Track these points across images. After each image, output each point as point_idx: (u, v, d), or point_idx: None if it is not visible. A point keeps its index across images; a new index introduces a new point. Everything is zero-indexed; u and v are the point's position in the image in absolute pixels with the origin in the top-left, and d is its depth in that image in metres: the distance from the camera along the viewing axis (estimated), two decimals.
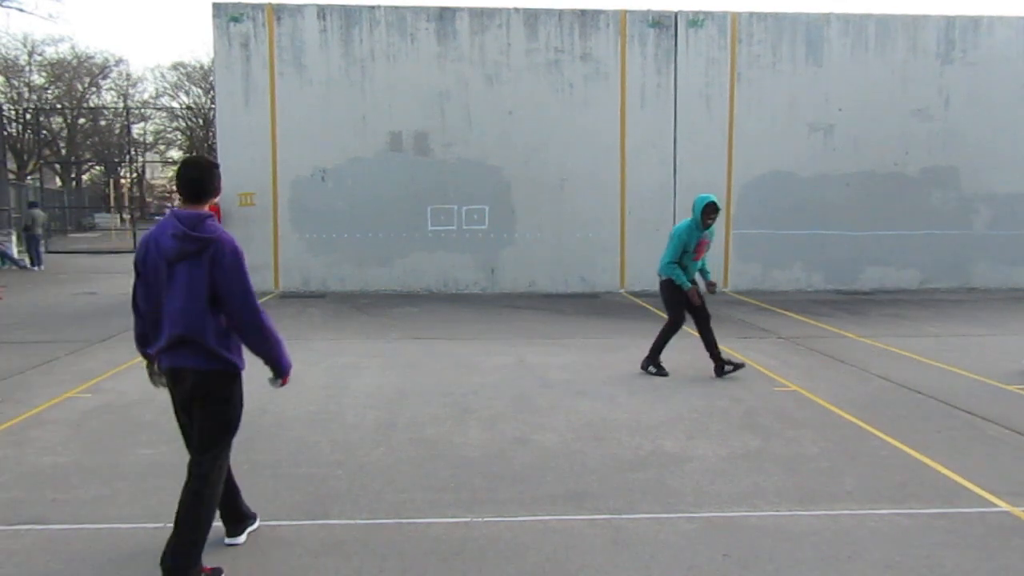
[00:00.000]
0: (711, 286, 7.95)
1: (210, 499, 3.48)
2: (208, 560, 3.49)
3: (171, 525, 3.38)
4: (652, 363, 7.87)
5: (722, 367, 7.67)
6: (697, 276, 7.88)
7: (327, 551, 3.80)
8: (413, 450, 5.35)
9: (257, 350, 3.53)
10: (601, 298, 14.22)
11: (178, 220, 3.41)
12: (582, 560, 3.73)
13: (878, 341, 9.75)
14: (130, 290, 3.67)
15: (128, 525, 4.07)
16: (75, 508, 4.27)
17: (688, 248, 7.60)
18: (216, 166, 3.65)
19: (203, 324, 3.39)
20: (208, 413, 3.49)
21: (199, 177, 3.51)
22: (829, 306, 13.09)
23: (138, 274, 3.51)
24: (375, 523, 4.14)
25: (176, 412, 3.61)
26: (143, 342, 3.64)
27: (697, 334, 7.89)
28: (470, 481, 4.76)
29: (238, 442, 5.02)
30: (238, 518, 3.92)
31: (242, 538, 3.90)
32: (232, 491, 3.89)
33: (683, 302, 7.73)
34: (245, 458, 5.14)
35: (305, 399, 6.68)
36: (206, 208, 3.53)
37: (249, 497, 4.47)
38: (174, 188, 3.55)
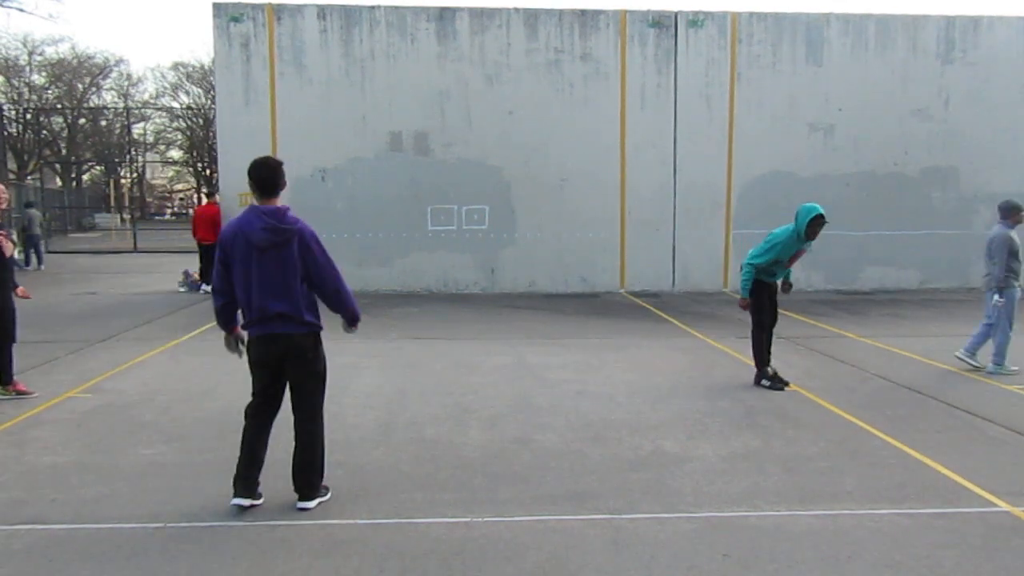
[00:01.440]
0: (786, 286, 7.60)
1: (320, 434, 4.50)
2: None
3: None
4: (763, 376, 7.29)
5: (761, 378, 7.29)
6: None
7: (327, 551, 3.80)
8: (413, 450, 5.35)
9: (340, 310, 4.53)
10: (601, 298, 14.22)
11: (265, 215, 4.15)
12: (582, 560, 3.73)
13: (878, 341, 9.75)
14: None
15: (128, 525, 4.07)
16: (75, 508, 4.27)
17: (782, 258, 7.17)
18: (281, 164, 4.32)
19: (296, 298, 4.24)
20: (305, 369, 4.39)
21: (270, 175, 4.21)
22: (829, 306, 13.09)
23: (225, 261, 4.23)
24: (375, 523, 4.14)
25: (260, 373, 4.39)
26: (226, 315, 4.41)
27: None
28: (470, 481, 4.76)
29: (238, 441, 5.02)
30: (249, 485, 4.29)
31: (247, 501, 4.24)
32: (256, 461, 4.35)
33: (763, 298, 7.34)
34: None
35: None
36: (277, 201, 4.23)
37: None
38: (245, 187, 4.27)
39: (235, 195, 14.62)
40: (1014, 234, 7.78)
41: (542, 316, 11.93)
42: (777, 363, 7.44)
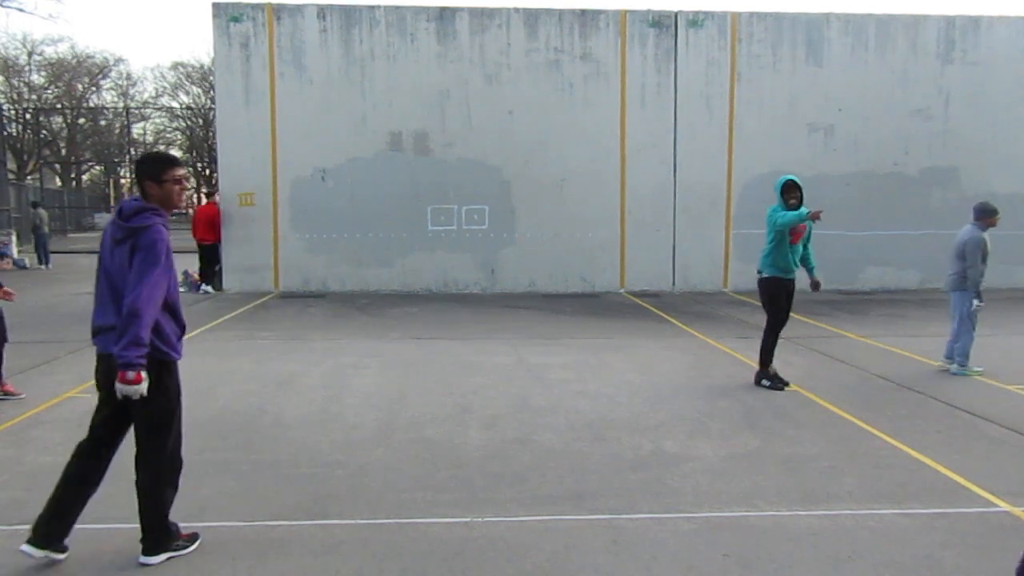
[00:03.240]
0: (815, 284, 7.45)
1: (158, 489, 3.77)
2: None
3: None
4: (764, 376, 7.23)
5: (761, 378, 7.24)
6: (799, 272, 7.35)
7: (327, 551, 3.80)
8: (413, 450, 5.34)
9: (121, 331, 3.46)
10: (601, 298, 14.22)
11: (122, 206, 3.64)
12: (582, 560, 3.73)
13: (878, 341, 9.75)
14: None
15: (128, 525, 4.06)
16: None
17: (783, 230, 7.01)
18: (147, 159, 3.72)
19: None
20: (137, 405, 3.56)
21: (136, 169, 3.71)
22: (829, 306, 13.09)
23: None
24: (375, 523, 4.14)
25: (100, 401, 3.73)
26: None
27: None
28: (470, 481, 4.76)
29: (238, 441, 5.01)
30: (55, 531, 3.62)
31: (38, 554, 3.56)
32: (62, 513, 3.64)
33: (781, 297, 7.22)
34: (245, 458, 5.14)
35: (305, 399, 6.68)
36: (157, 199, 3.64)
37: (249, 497, 4.47)
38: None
39: (235, 195, 14.63)
40: (987, 236, 7.78)
41: (542, 316, 11.93)
42: (777, 363, 7.44)
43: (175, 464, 3.77)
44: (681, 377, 7.68)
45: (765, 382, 7.22)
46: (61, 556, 3.63)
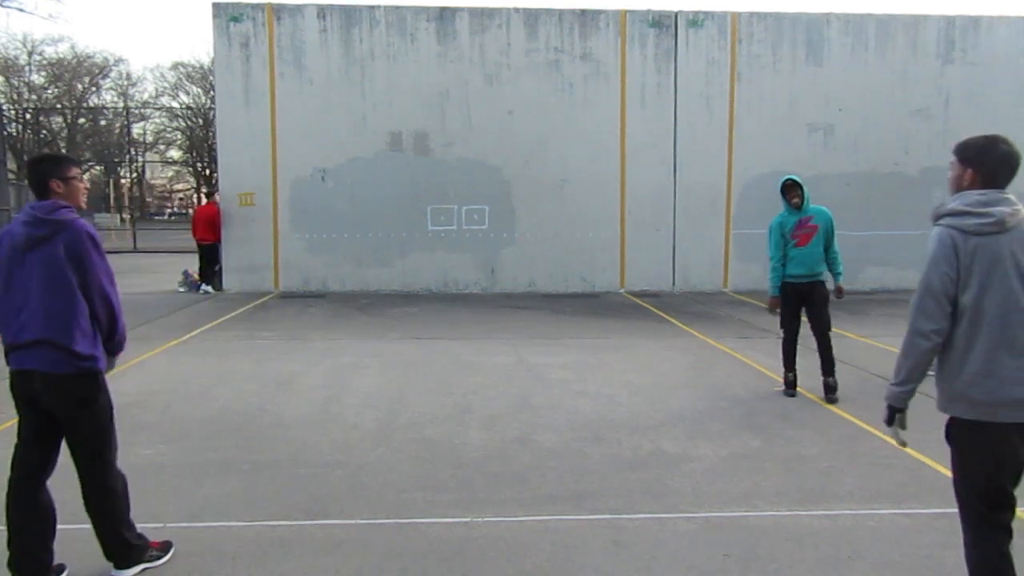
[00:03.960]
0: (839, 291, 7.27)
1: (115, 503, 3.58)
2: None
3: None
4: (786, 383, 6.99)
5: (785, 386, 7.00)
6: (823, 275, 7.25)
7: (327, 551, 3.80)
8: (413, 450, 5.35)
9: (109, 329, 3.53)
10: (601, 298, 14.22)
11: (32, 208, 3.41)
12: (582, 560, 3.73)
13: (878, 341, 9.75)
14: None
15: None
16: (75, 508, 4.26)
17: (784, 232, 6.90)
18: (43, 160, 3.55)
19: (61, 319, 3.38)
20: (76, 422, 3.47)
21: (32, 174, 3.50)
22: (829, 306, 13.06)
23: None
24: (375, 523, 4.14)
25: (24, 418, 3.50)
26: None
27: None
28: (470, 481, 4.76)
29: (238, 441, 5.01)
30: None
31: None
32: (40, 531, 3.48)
33: (785, 304, 7.03)
34: (245, 458, 5.14)
35: (305, 399, 6.68)
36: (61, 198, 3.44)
37: (249, 497, 4.47)
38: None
39: (235, 195, 14.63)
40: None
41: (542, 316, 11.93)
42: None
43: (120, 478, 3.59)
44: (681, 377, 7.68)
45: (776, 388, 7.09)
46: None
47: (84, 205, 3.55)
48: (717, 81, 15.04)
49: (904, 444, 3.15)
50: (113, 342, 3.51)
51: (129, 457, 5.14)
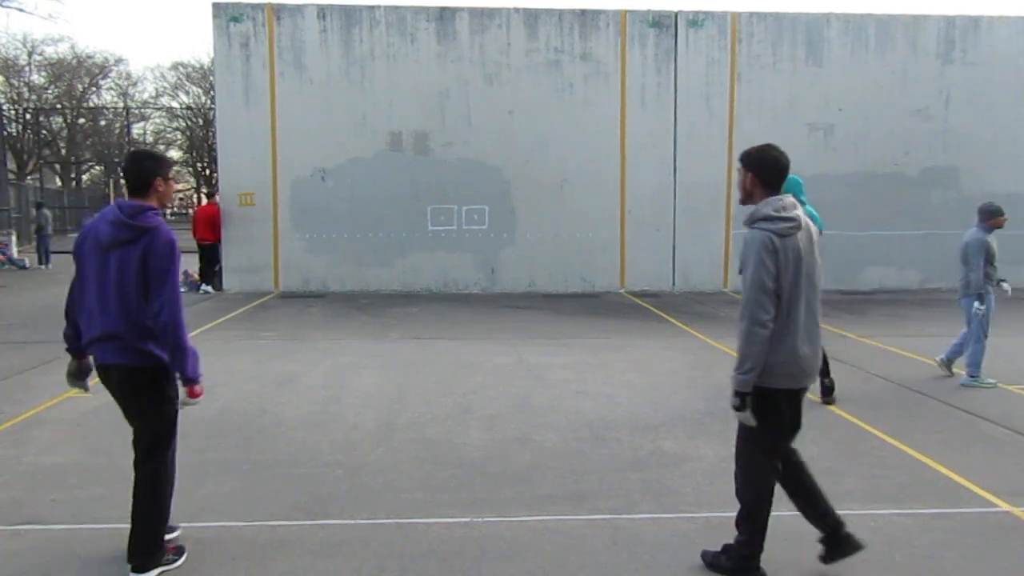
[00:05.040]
0: None
1: (163, 487, 3.71)
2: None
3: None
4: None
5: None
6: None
7: (327, 551, 3.80)
8: (413, 450, 5.34)
9: (170, 347, 3.52)
10: (601, 298, 14.22)
11: (119, 208, 3.53)
12: (582, 560, 3.73)
13: (878, 341, 9.75)
14: None
15: (128, 525, 4.06)
16: (75, 508, 4.26)
17: None
18: (148, 157, 3.67)
19: (132, 317, 3.50)
20: (143, 409, 3.63)
21: (132, 169, 3.60)
22: (829, 306, 13.08)
23: (76, 265, 3.66)
24: (375, 523, 4.13)
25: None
26: (72, 336, 3.74)
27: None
28: (470, 481, 4.76)
29: (238, 441, 5.01)
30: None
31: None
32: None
33: None
34: (245, 458, 5.14)
35: (305, 399, 6.68)
36: (150, 200, 3.58)
37: (249, 497, 4.48)
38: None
39: (235, 195, 14.63)
40: (991, 238, 7.42)
41: (542, 316, 11.93)
42: None
43: (173, 477, 3.71)
44: (681, 377, 7.68)
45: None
46: None
47: (173, 203, 3.62)
48: (717, 81, 15.04)
49: (753, 424, 3.41)
50: (175, 360, 3.47)
51: (129, 457, 5.13)
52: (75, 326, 3.57)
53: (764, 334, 3.29)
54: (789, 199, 3.53)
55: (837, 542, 3.56)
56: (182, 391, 3.55)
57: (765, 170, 3.62)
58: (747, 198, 3.70)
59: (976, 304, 7.33)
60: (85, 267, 3.49)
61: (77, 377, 3.70)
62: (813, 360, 3.43)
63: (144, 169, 3.54)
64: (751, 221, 3.57)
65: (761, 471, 3.50)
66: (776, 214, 3.46)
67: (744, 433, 3.50)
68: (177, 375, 3.52)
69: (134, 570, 3.51)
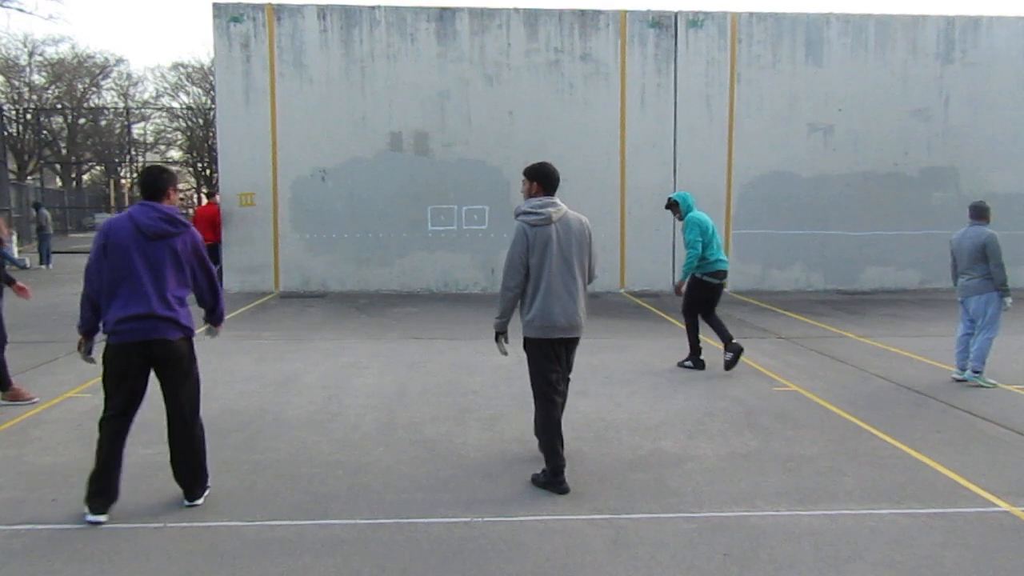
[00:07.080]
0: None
1: (201, 436, 4.43)
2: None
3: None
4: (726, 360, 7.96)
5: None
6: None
7: (327, 551, 3.80)
8: (413, 450, 5.35)
9: (215, 305, 4.55)
10: (601, 298, 14.22)
11: (156, 208, 4.24)
12: (582, 560, 3.73)
13: (878, 341, 9.75)
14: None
15: (128, 525, 4.07)
16: (75, 508, 4.26)
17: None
18: (164, 171, 4.43)
19: (173, 298, 4.36)
20: (182, 376, 4.32)
21: (152, 180, 4.31)
22: (829, 306, 13.09)
23: (106, 251, 4.25)
24: (375, 523, 4.14)
25: (126, 385, 4.24)
26: (89, 315, 4.49)
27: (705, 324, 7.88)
28: (470, 481, 4.76)
29: (238, 441, 5.00)
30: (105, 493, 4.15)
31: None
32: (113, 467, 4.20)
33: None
34: (245, 458, 5.14)
35: (305, 399, 6.68)
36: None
37: (249, 497, 4.48)
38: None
39: (235, 195, 14.63)
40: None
41: None
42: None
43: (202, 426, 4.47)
44: (681, 377, 7.68)
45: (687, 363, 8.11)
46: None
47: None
48: (717, 81, 15.05)
49: (506, 353, 4.84)
50: (216, 314, 4.53)
51: (128, 457, 5.14)
52: (97, 310, 4.24)
53: (510, 296, 4.64)
54: (548, 200, 4.72)
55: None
56: (214, 330, 4.63)
57: (545, 181, 4.79)
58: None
59: (1007, 300, 7.35)
60: (124, 256, 4.08)
61: (89, 352, 4.44)
62: (563, 319, 4.67)
63: (162, 180, 4.31)
64: (516, 215, 4.72)
65: (540, 403, 4.67)
66: (531, 210, 4.65)
67: (530, 377, 4.72)
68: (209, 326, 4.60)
69: (192, 499, 4.31)
